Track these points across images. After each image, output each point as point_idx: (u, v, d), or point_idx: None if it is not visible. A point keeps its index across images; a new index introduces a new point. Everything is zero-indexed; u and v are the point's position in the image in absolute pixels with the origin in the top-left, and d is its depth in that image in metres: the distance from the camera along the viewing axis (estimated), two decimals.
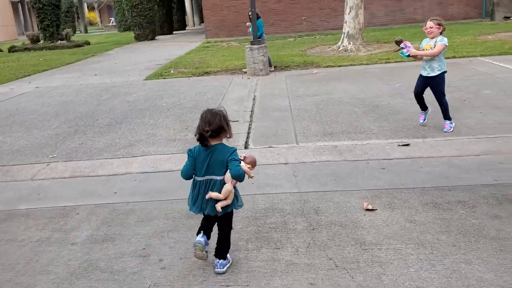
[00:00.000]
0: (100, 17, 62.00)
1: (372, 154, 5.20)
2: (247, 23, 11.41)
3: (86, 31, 41.48)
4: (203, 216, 3.10)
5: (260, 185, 4.48)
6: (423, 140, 5.54)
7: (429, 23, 5.44)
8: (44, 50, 23.33)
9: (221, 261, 3.08)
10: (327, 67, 11.31)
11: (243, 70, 11.42)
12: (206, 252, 3.05)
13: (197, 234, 3.04)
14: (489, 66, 9.85)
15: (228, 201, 2.93)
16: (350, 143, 5.59)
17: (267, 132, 6.27)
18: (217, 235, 3.12)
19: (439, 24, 5.40)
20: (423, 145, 5.37)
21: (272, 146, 5.69)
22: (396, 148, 5.31)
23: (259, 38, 10.85)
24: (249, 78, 10.65)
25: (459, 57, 11.00)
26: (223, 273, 3.04)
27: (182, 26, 34.58)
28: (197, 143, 2.97)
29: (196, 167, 2.96)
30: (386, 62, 11.19)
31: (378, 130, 6.02)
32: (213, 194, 2.90)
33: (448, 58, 11.54)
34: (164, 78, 11.53)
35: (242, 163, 2.97)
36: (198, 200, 2.98)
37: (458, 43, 12.91)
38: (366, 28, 15.88)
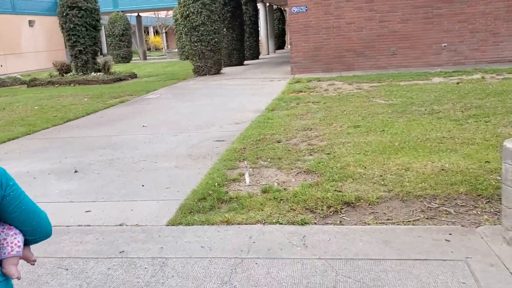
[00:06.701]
0: (167, 42, 56.54)
1: None
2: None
3: (145, 58, 35.60)
4: None
5: None
6: None
7: None
8: (71, 84, 17.14)
9: None
10: None
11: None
12: None
13: None
14: None
15: None
16: None
17: None
18: None
19: None
20: None
21: None
22: None
23: None
24: None
25: None
26: None
27: (255, 54, 26.74)
28: None
29: None
30: None
31: None
32: None
33: None
34: (228, 224, 3.81)
35: None
36: None
37: None
38: None
